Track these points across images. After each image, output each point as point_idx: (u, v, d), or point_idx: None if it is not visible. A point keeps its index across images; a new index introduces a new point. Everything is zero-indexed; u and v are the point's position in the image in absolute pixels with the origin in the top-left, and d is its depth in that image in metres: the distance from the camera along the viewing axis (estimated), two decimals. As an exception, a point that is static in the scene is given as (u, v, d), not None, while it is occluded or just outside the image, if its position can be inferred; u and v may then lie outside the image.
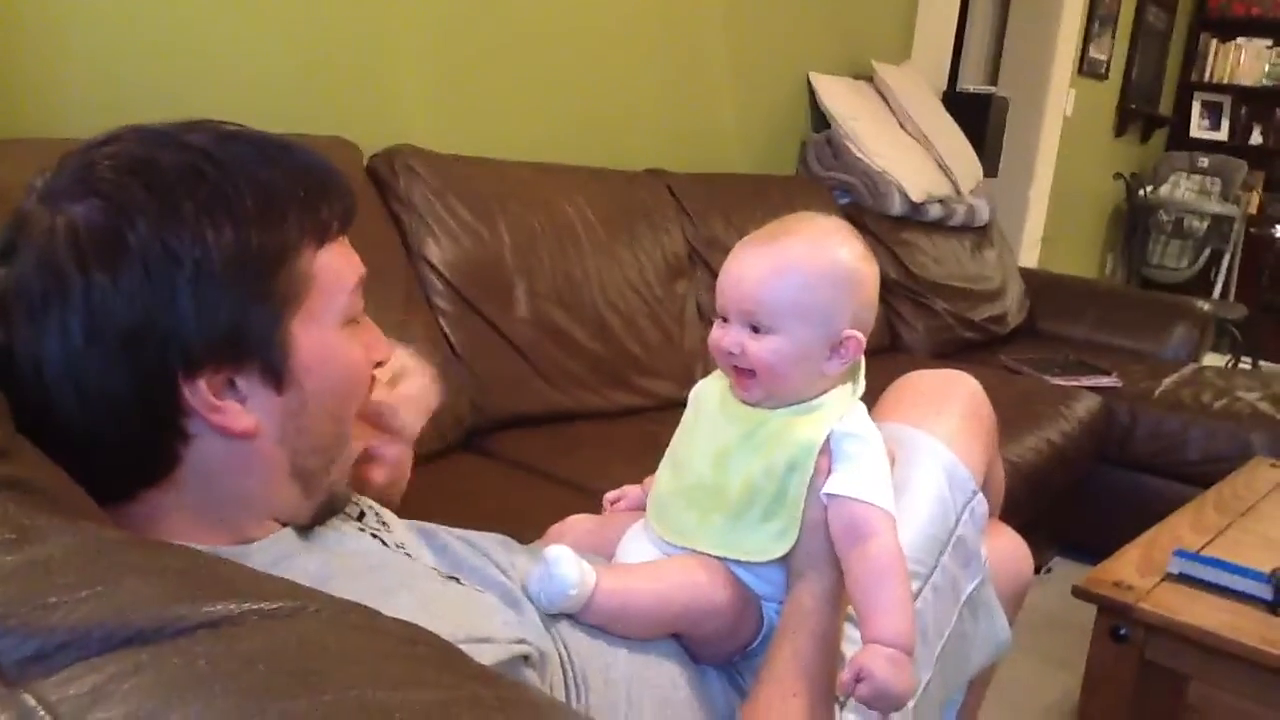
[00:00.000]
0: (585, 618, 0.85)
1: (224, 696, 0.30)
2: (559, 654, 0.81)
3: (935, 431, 1.13)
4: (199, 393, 0.65)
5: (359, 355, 0.75)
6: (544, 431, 1.89)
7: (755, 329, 0.89)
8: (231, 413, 0.67)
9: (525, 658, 0.74)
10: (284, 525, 0.75)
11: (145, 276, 0.62)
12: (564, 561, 0.83)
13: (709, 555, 0.91)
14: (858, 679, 0.80)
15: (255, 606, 0.36)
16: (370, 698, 0.32)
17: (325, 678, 0.33)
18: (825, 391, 0.92)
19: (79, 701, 0.30)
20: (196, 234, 0.64)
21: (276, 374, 0.68)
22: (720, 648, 0.93)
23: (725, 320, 0.92)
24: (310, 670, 0.33)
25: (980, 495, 1.13)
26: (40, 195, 0.65)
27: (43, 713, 0.29)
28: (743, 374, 0.91)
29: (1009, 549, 1.29)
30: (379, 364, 0.78)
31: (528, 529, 1.05)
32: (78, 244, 0.62)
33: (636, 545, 0.97)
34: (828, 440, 0.89)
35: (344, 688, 0.32)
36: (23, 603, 0.34)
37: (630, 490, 1.08)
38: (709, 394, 0.98)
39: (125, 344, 0.63)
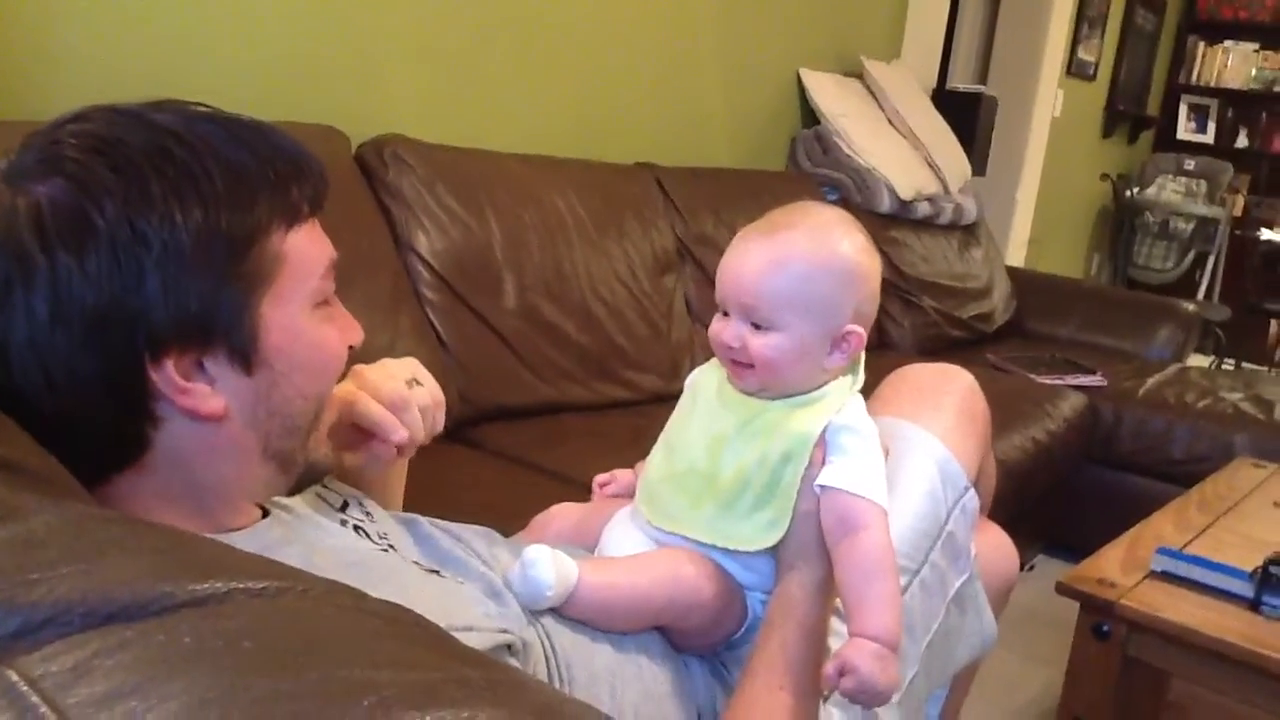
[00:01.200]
0: (568, 612, 0.85)
1: (209, 673, 0.30)
2: (542, 645, 0.81)
3: (930, 426, 1.13)
4: (166, 375, 0.64)
5: (331, 336, 0.74)
6: (531, 423, 1.89)
7: (756, 324, 0.89)
8: (199, 395, 0.66)
9: (508, 646, 0.74)
10: (263, 510, 0.74)
11: (113, 258, 0.61)
12: (540, 563, 0.82)
13: (696, 544, 0.91)
14: (841, 673, 0.80)
15: (242, 586, 0.35)
16: (357, 676, 0.31)
17: (312, 656, 0.32)
18: (825, 384, 0.92)
19: (62, 677, 0.30)
20: (165, 215, 0.63)
21: (245, 356, 0.68)
22: (704, 639, 0.93)
23: (725, 314, 0.91)
24: (297, 649, 0.33)
25: (972, 492, 1.13)
26: (4, 176, 0.63)
27: (25, 688, 0.29)
28: (740, 366, 0.91)
29: (995, 545, 1.29)
30: (351, 347, 0.77)
31: (514, 520, 1.04)
32: (41, 224, 0.61)
33: (622, 532, 0.97)
34: (823, 432, 0.89)
35: (331, 666, 0.32)
36: (4, 578, 0.34)
37: (621, 474, 1.07)
38: (707, 381, 0.97)
39: (91, 326, 0.62)
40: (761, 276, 0.88)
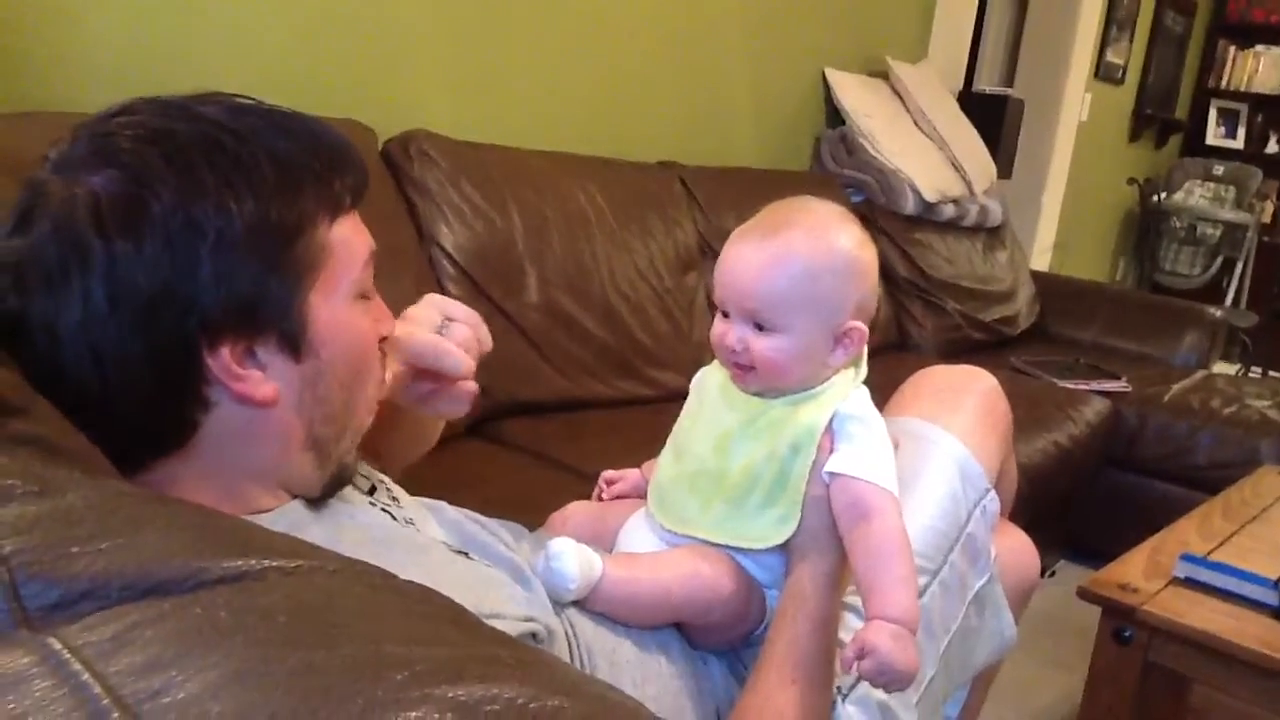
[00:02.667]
0: (591, 605, 0.86)
1: (245, 646, 0.31)
2: (566, 634, 0.81)
3: (951, 427, 1.13)
4: (222, 361, 0.66)
5: (369, 327, 0.75)
6: (551, 419, 1.89)
7: (759, 326, 0.89)
8: (253, 381, 0.68)
9: (533, 635, 0.75)
10: (294, 497, 0.75)
11: (168, 245, 0.63)
12: (565, 556, 0.83)
13: (712, 544, 0.91)
14: (860, 655, 0.80)
15: (275, 564, 0.36)
16: (389, 652, 0.32)
17: (345, 631, 0.33)
18: (828, 379, 0.92)
19: (102, 647, 0.31)
20: (219, 204, 0.64)
21: (294, 344, 0.69)
22: (724, 636, 0.94)
23: (726, 314, 0.91)
24: (330, 624, 0.33)
25: (992, 493, 1.13)
26: (55, 165, 0.65)
27: (67, 655, 0.30)
28: (743, 368, 0.91)
29: (1017, 548, 1.29)
30: (384, 339, 0.78)
31: (533, 515, 1.05)
32: (98, 213, 0.62)
33: (638, 535, 0.97)
34: (831, 421, 0.89)
35: (363, 641, 0.32)
36: (46, 551, 0.34)
37: (630, 473, 1.08)
38: (711, 381, 0.98)
39: (147, 311, 0.63)
40: (762, 279, 0.88)
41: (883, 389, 0.97)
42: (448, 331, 0.85)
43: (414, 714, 0.28)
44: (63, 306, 0.63)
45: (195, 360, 0.65)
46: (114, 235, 0.62)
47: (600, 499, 1.08)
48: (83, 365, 0.64)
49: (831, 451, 0.88)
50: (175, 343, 0.65)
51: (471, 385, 0.86)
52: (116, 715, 0.27)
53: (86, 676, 0.29)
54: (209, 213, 0.64)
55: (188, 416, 0.67)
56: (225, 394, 0.67)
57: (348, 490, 0.81)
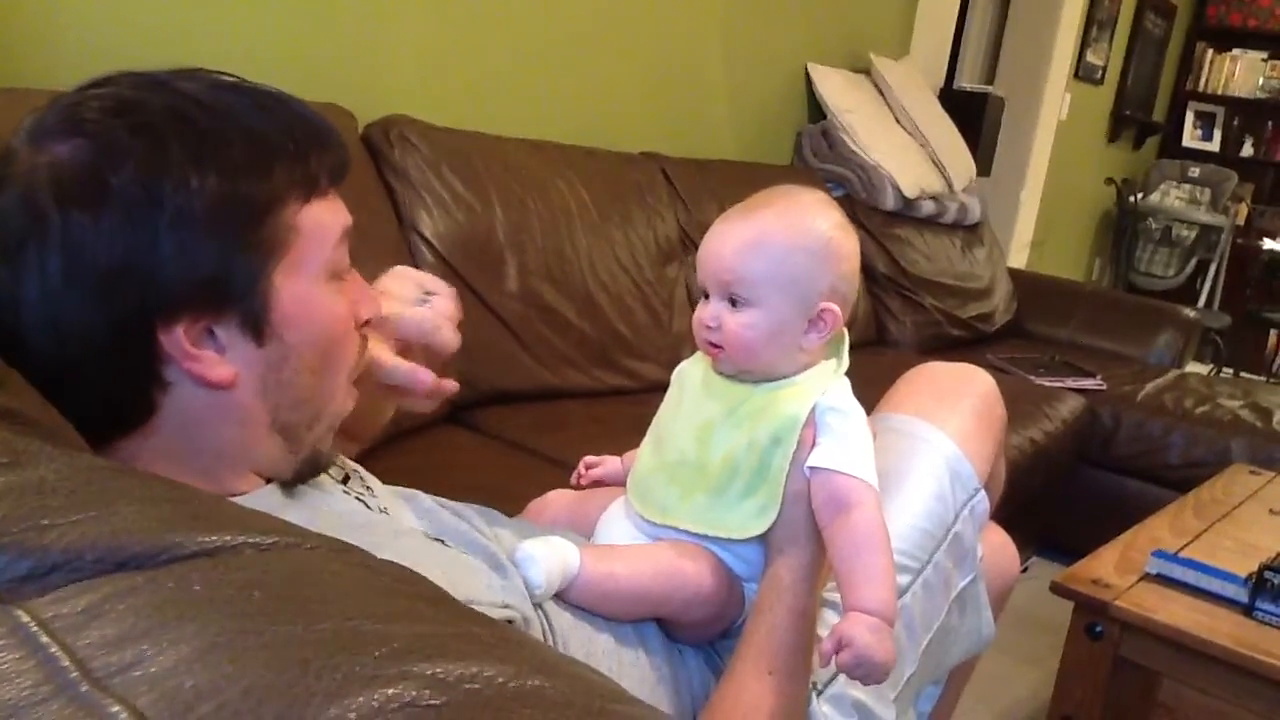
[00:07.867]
0: (568, 598, 0.85)
1: (220, 619, 0.30)
2: (542, 623, 0.81)
3: (945, 426, 1.13)
4: (176, 340, 0.65)
5: (343, 310, 0.73)
6: (529, 408, 1.89)
7: (733, 302, 0.89)
8: (208, 362, 0.66)
9: (509, 622, 0.74)
10: (267, 481, 0.74)
11: (126, 219, 0.62)
12: (530, 564, 0.82)
13: (687, 535, 0.91)
14: (838, 648, 0.80)
15: (251, 540, 0.36)
16: (367, 628, 0.31)
17: (323, 607, 0.32)
18: (808, 367, 0.92)
19: (73, 619, 0.30)
20: (180, 179, 0.63)
21: (256, 325, 0.67)
22: (704, 632, 0.93)
23: (707, 296, 0.92)
24: (307, 599, 0.33)
25: (983, 493, 1.12)
26: (27, 134, 0.64)
27: (35, 628, 0.29)
28: (715, 346, 0.91)
29: (997, 546, 1.29)
30: (366, 321, 0.77)
31: (510, 504, 1.04)
32: (59, 183, 0.61)
33: (617, 526, 0.96)
34: (812, 413, 0.89)
35: (341, 618, 0.32)
36: (16, 523, 0.34)
37: (609, 460, 1.07)
38: (692, 372, 0.97)
39: (103, 285, 0.62)
40: (739, 253, 0.89)
41: (860, 384, 0.96)
42: (430, 305, 0.84)
43: (391, 690, 0.28)
44: (22, 276, 0.62)
45: (150, 338, 0.64)
46: (72, 206, 0.61)
47: (579, 483, 1.08)
48: (41, 337, 0.63)
49: (814, 444, 0.88)
50: (132, 319, 0.63)
51: (451, 384, 0.85)
52: (86, 688, 0.27)
53: (55, 649, 0.28)
54: (169, 187, 0.62)
55: (146, 395, 0.66)
56: (181, 374, 0.66)
57: (322, 478, 0.80)
